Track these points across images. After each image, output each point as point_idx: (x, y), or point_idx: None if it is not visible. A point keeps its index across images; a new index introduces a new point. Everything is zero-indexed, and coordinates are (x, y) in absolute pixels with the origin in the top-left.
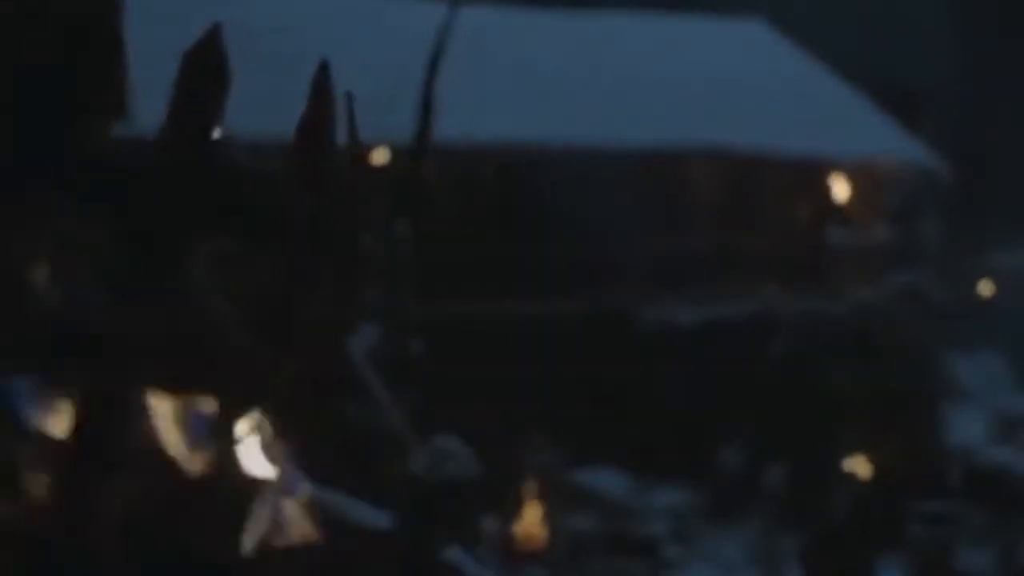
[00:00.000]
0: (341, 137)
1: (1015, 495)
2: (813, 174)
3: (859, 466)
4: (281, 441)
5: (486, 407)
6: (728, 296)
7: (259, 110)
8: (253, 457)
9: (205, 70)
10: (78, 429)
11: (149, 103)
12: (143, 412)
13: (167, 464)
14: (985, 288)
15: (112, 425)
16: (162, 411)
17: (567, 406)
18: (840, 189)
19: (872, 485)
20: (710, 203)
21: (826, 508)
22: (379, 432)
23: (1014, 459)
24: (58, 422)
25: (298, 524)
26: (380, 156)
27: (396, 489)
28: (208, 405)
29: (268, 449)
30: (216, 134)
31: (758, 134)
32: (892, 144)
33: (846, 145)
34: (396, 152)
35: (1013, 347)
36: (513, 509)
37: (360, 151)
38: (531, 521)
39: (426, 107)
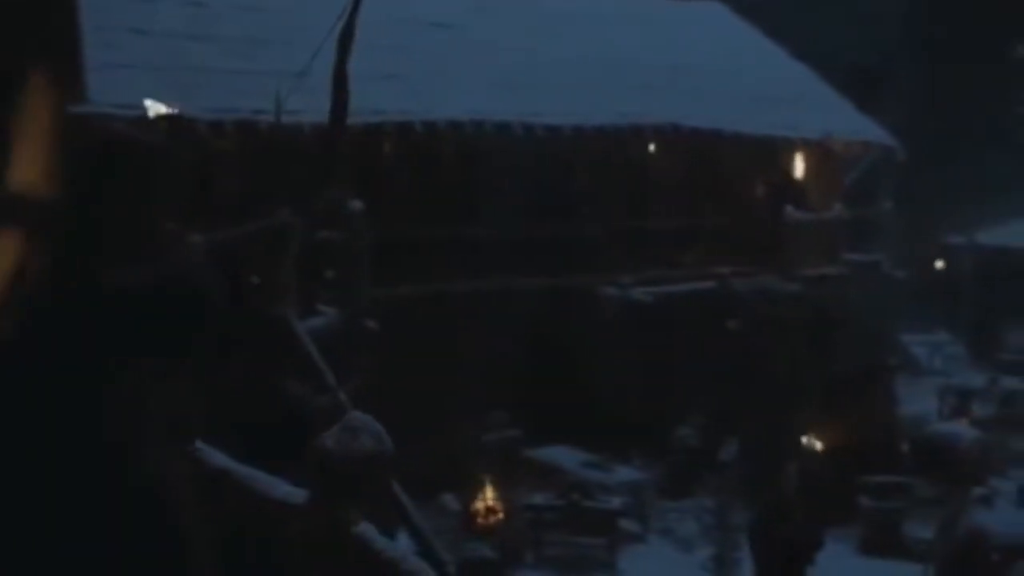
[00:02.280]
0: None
1: (962, 467)
2: (770, 154)
3: (812, 440)
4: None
5: (445, 385)
6: (687, 274)
7: (221, 89)
8: None
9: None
10: None
11: (102, 80)
12: None
13: None
14: (940, 267)
15: None
16: None
17: (527, 384)
18: (797, 169)
19: (824, 459)
20: (670, 183)
21: (778, 482)
22: (319, 410)
23: (963, 432)
24: None
25: None
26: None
27: (310, 465)
28: None
29: None
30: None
31: (715, 113)
32: (848, 124)
33: (803, 125)
34: (353, 131)
35: (967, 325)
36: (472, 486)
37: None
38: (490, 497)
39: (338, 84)
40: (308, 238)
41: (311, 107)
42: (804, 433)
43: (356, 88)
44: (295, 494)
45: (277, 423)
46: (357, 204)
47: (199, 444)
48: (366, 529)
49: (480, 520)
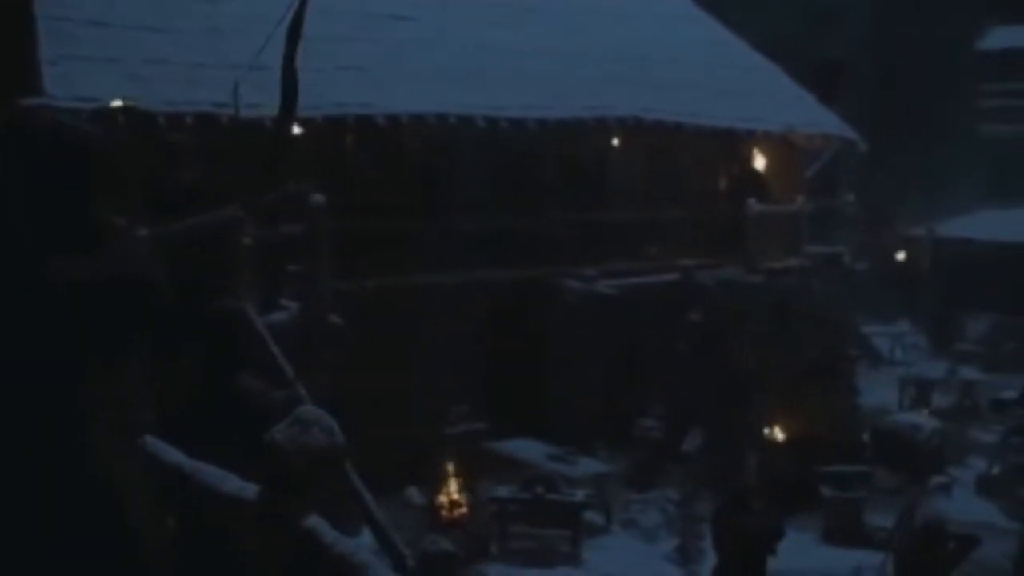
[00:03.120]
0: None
1: (922, 457)
2: (733, 147)
3: (774, 431)
4: None
5: (409, 378)
6: (650, 266)
7: (181, 82)
8: None
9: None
10: None
11: (59, 72)
12: None
13: None
14: (901, 259)
15: None
16: None
17: (491, 377)
18: (759, 161)
19: (786, 449)
20: (633, 176)
21: (740, 472)
22: (277, 404)
23: (923, 422)
24: None
25: None
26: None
27: (261, 459)
28: None
29: None
30: None
31: (678, 107)
32: (810, 117)
33: (765, 118)
34: (315, 125)
35: (927, 315)
36: (437, 479)
37: None
38: (454, 491)
39: (287, 77)
40: (268, 232)
41: (272, 100)
42: (766, 424)
43: (318, 80)
44: (247, 488)
45: (232, 417)
46: (319, 197)
47: (149, 439)
48: (317, 523)
49: (444, 513)
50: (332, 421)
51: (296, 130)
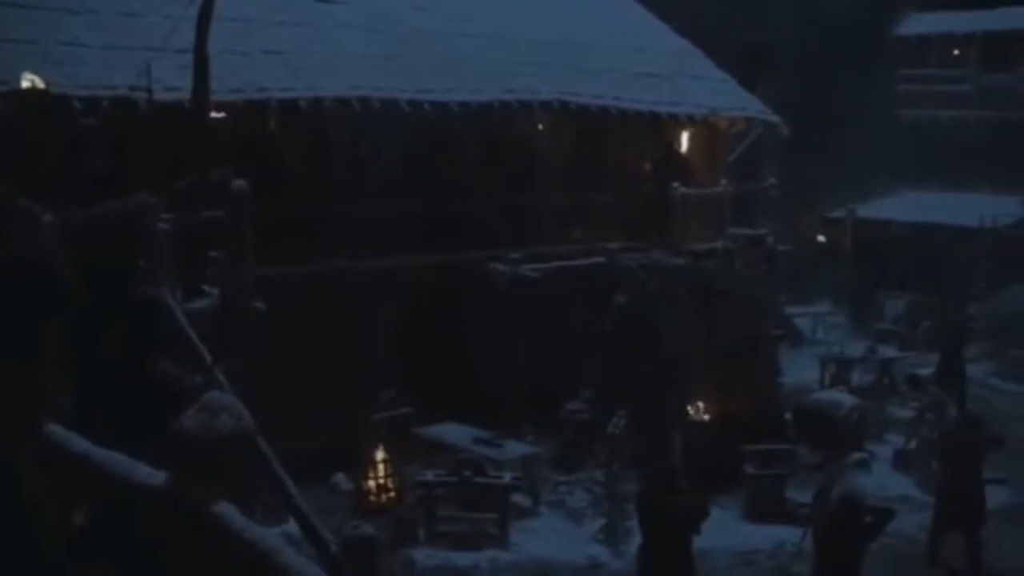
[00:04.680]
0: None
1: (841, 433)
2: (657, 130)
3: (699, 411)
4: None
5: (335, 364)
6: (576, 250)
7: (96, 64)
8: None
9: None
10: None
11: None
12: None
13: None
14: (822, 240)
15: None
16: None
17: (417, 361)
18: (683, 145)
19: (710, 428)
20: (558, 159)
21: (665, 452)
22: (192, 390)
23: (842, 400)
24: None
25: None
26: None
27: (170, 445)
28: None
29: None
30: None
31: (603, 90)
32: (732, 101)
33: (688, 101)
34: (237, 108)
35: (847, 296)
36: (364, 464)
37: None
38: (381, 476)
39: (199, 65)
40: (189, 218)
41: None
42: (691, 404)
43: (240, 64)
44: (155, 476)
45: (147, 404)
46: (241, 183)
47: (56, 428)
48: (226, 509)
49: (372, 498)
50: (241, 407)
51: (217, 114)
